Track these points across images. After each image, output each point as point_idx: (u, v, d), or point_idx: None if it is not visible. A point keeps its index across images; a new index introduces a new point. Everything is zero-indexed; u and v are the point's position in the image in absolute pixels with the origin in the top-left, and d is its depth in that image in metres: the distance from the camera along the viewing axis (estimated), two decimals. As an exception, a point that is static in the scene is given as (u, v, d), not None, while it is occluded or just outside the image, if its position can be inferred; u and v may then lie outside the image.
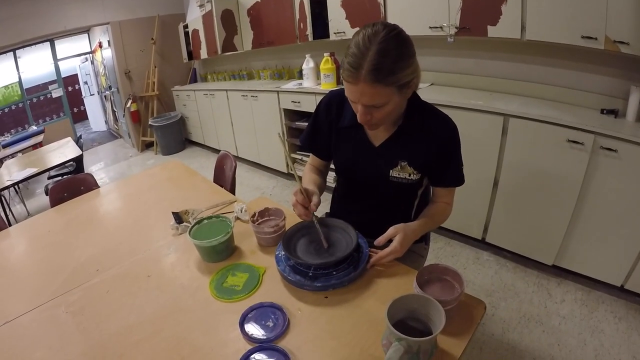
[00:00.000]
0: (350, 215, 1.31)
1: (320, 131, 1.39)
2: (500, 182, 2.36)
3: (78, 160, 3.85)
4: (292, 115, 3.97)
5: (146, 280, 1.27)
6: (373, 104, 1.04)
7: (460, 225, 2.71)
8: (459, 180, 1.28)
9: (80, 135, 4.79)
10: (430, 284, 0.99)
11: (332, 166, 1.49)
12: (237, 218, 1.55)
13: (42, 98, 8.11)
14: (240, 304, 1.08)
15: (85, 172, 2.95)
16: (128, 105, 6.22)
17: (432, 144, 1.21)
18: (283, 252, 1.19)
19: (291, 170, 1.38)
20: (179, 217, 1.57)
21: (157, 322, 1.07)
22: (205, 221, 1.40)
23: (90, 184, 2.29)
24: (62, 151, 4.14)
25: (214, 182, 2.14)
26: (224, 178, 2.19)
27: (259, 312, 1.03)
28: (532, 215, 2.29)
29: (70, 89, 9.46)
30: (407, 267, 1.16)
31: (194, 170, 2.28)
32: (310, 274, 1.11)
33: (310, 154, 1.50)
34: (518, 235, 2.42)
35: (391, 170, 1.25)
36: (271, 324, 0.98)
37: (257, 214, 1.38)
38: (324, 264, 1.11)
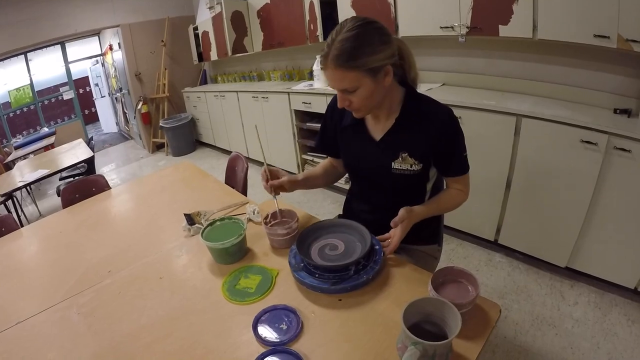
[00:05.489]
0: (361, 214, 1.32)
1: (329, 133, 1.45)
2: (513, 183, 2.33)
3: (89, 162, 3.88)
4: (303, 116, 3.97)
5: (158, 282, 1.27)
6: (343, 88, 1.11)
7: (472, 226, 2.69)
8: (463, 168, 1.29)
9: (92, 137, 4.83)
10: (445, 287, 0.98)
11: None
12: (250, 220, 1.55)
13: (53, 100, 8.22)
14: (253, 307, 1.07)
15: (97, 173, 2.97)
16: (139, 107, 6.27)
17: (430, 132, 1.21)
18: (297, 254, 1.19)
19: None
20: (190, 219, 1.57)
21: (169, 324, 1.07)
22: (218, 223, 1.40)
23: (101, 185, 2.31)
24: (73, 152, 4.18)
25: (225, 183, 2.14)
26: (236, 179, 2.19)
27: (272, 315, 1.02)
28: (545, 216, 2.26)
29: (81, 91, 9.58)
30: (421, 269, 1.15)
31: (205, 171, 2.29)
32: (324, 277, 1.10)
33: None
34: (531, 236, 2.39)
35: (393, 162, 1.26)
36: (284, 327, 0.98)
37: (269, 215, 1.37)
38: (338, 266, 1.10)
